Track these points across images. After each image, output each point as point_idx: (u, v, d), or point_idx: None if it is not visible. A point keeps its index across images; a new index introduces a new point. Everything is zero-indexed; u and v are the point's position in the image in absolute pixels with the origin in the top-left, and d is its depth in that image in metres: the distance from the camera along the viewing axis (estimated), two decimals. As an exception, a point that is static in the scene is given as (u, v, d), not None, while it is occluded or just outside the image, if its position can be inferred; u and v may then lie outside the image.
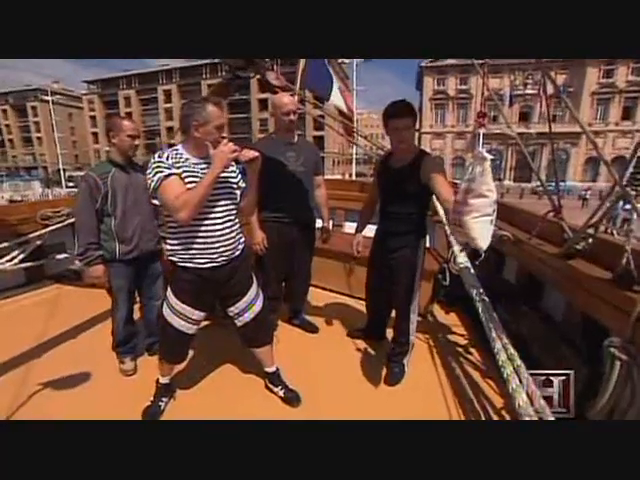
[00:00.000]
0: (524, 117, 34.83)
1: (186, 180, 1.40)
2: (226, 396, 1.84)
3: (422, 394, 1.85)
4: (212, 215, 1.45)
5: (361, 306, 2.55)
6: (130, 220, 1.89)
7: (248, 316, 1.67)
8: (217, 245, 1.48)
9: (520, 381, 1.25)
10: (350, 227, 3.18)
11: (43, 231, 3.04)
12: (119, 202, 1.86)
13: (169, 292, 1.57)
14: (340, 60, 31.55)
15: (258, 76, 3.03)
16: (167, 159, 1.40)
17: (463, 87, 36.32)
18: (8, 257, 2.82)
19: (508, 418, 1.59)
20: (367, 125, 57.17)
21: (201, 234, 1.45)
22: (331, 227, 2.49)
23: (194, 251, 1.46)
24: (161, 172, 1.36)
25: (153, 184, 1.37)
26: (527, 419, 1.00)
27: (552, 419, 1.05)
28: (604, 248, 1.49)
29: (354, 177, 23.44)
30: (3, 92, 53.44)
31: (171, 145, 1.64)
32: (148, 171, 1.40)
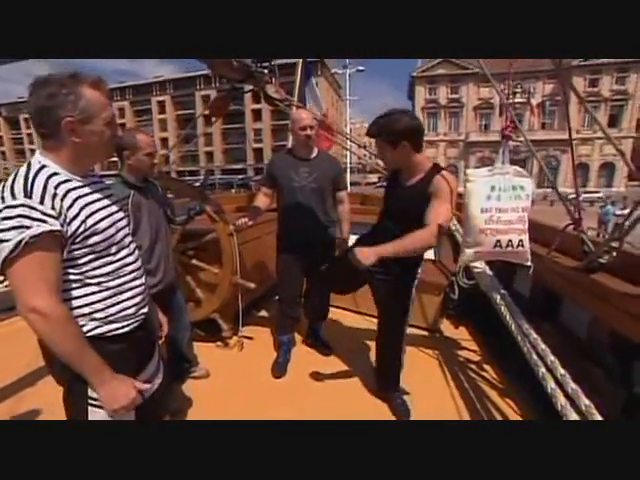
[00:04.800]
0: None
1: (96, 217, 0.87)
2: (229, 402, 1.87)
3: (433, 411, 1.77)
4: (132, 259, 1.00)
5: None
6: (155, 249, 1.68)
7: (157, 381, 1.10)
8: (143, 297, 1.03)
9: (557, 381, 1.21)
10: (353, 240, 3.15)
11: None
12: (146, 231, 1.63)
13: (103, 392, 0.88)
14: (333, 70, 32.09)
15: (256, 89, 3.00)
16: (41, 199, 0.78)
17: (454, 96, 36.94)
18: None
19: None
20: (361, 134, 57.84)
21: (134, 283, 0.99)
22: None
23: (131, 307, 0.97)
24: (25, 228, 0.76)
25: (7, 250, 0.75)
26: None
27: (599, 419, 1.03)
28: (630, 262, 1.44)
29: (349, 186, 23.46)
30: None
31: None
32: None
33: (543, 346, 1.36)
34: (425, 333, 2.58)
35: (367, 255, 1.30)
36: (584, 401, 1.10)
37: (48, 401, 1.67)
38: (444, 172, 1.48)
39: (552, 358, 1.29)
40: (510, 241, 1.65)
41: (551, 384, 1.20)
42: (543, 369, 1.28)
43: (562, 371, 1.23)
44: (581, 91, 33.87)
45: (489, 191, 1.66)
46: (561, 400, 1.15)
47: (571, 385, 1.16)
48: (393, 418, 1.77)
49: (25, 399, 1.82)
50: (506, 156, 1.61)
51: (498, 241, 1.66)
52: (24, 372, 2.00)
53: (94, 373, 0.86)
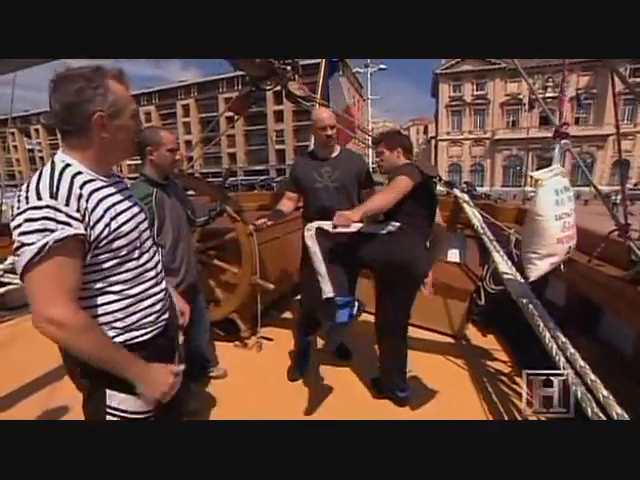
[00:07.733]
0: (545, 121, 33.91)
1: (120, 219, 0.84)
2: (246, 403, 1.86)
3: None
4: (153, 264, 0.97)
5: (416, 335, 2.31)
6: (177, 249, 1.68)
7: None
8: (163, 303, 1.01)
9: (598, 403, 1.10)
10: None
11: None
12: (169, 229, 1.62)
13: (123, 399, 0.87)
14: (355, 69, 31.90)
15: (278, 87, 2.97)
16: (66, 200, 0.75)
17: (480, 92, 35.73)
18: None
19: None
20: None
21: (154, 289, 0.96)
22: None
23: (151, 315, 0.94)
24: (49, 231, 0.72)
25: (29, 255, 0.71)
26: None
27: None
28: None
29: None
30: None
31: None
32: (17, 221, 0.73)
33: (582, 363, 1.23)
34: (450, 340, 2.46)
35: (347, 218, 1.44)
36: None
37: (71, 400, 1.71)
38: None
39: (592, 377, 1.17)
40: (571, 247, 1.54)
41: (592, 407, 1.08)
42: (582, 388, 1.15)
43: (605, 392, 1.10)
44: (619, 83, 31.94)
45: (555, 195, 1.48)
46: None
47: (616, 409, 1.04)
48: (409, 418, 1.71)
49: (49, 396, 1.86)
50: (559, 156, 1.48)
51: (570, 248, 1.54)
52: (50, 368, 2.04)
53: (127, 368, 0.82)
